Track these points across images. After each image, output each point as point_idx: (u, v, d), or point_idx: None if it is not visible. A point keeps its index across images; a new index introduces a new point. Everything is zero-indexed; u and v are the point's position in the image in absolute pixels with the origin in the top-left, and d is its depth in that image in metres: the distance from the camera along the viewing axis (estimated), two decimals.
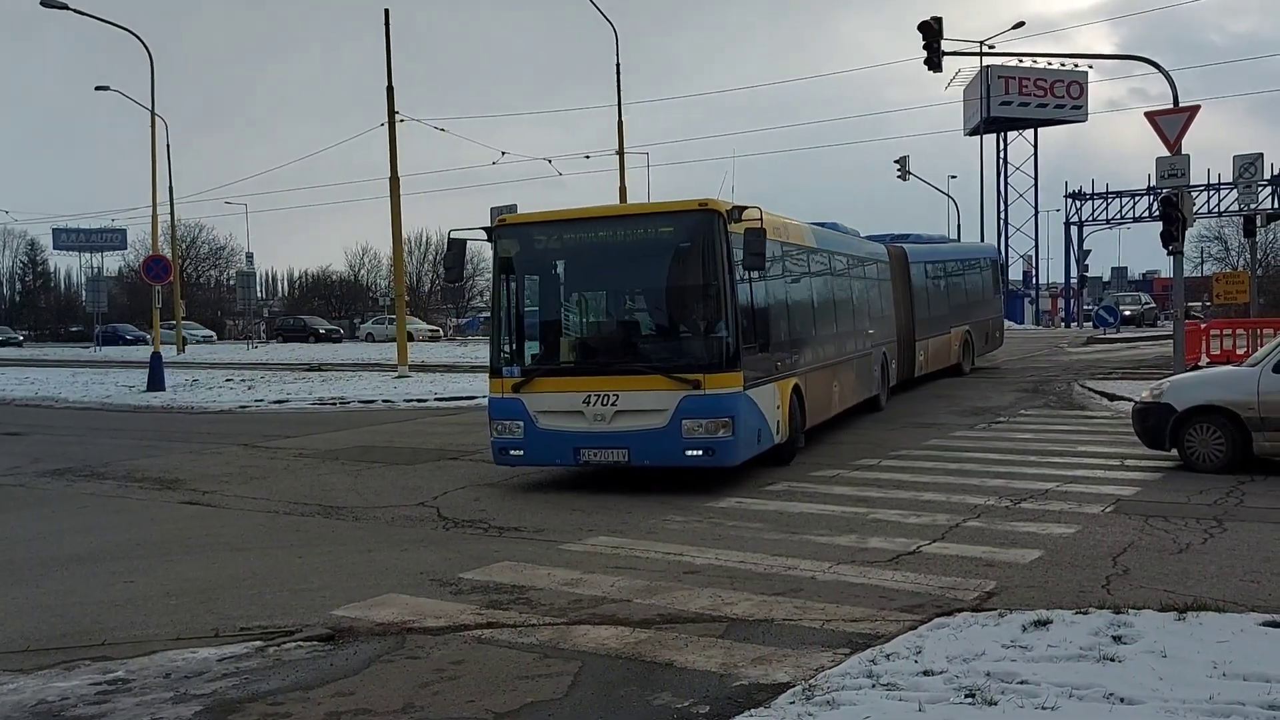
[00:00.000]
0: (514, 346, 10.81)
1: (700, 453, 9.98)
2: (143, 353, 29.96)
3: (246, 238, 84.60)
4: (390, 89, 27.55)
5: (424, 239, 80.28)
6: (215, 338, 63.00)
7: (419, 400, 21.27)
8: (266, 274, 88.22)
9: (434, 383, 24.91)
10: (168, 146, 44.84)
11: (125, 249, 75.07)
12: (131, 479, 12.52)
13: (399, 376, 26.79)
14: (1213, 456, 10.53)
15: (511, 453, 10.67)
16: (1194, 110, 17.81)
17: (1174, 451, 10.87)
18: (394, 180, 27.84)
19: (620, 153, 31.65)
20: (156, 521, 10.01)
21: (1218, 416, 10.53)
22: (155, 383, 25.04)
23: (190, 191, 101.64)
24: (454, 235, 11.20)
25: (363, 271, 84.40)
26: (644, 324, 11.13)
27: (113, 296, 61.88)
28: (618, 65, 31.51)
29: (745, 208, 10.29)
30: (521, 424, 10.48)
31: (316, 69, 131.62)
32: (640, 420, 10.05)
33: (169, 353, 37.59)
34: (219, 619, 6.50)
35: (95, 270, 66.92)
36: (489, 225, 11.04)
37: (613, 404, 10.11)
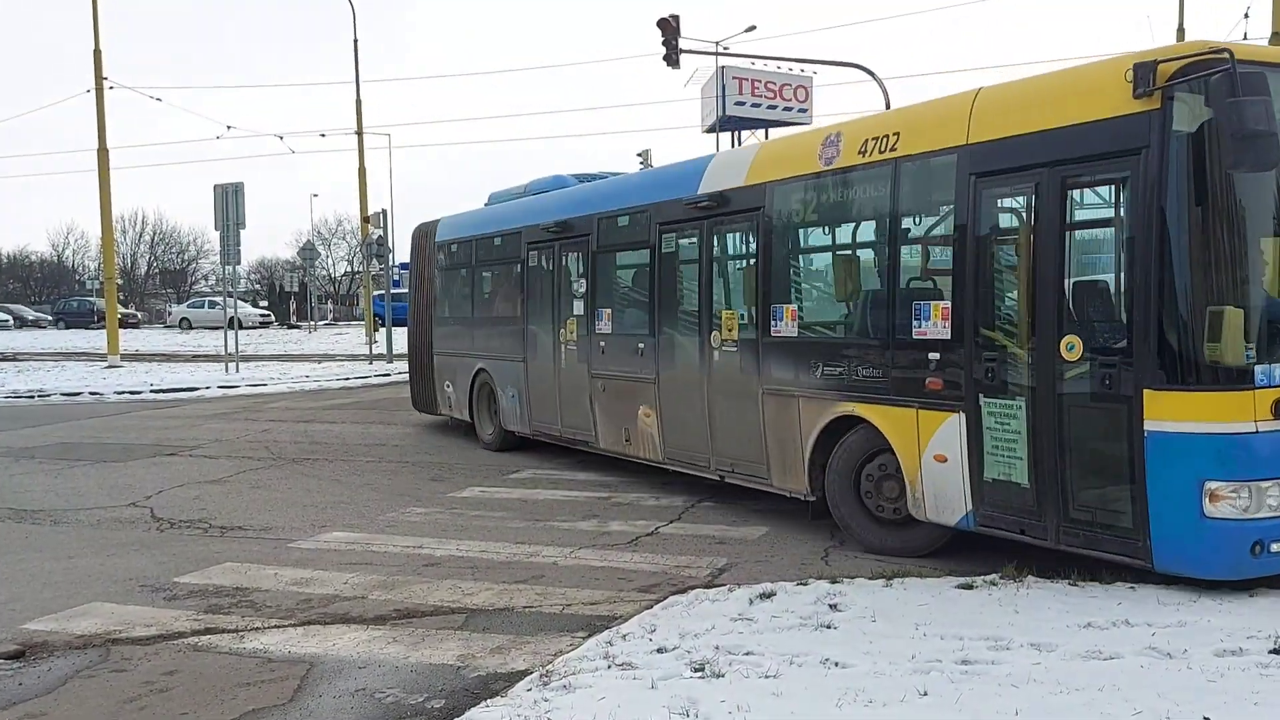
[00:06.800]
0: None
1: None
2: None
3: None
4: (98, 51, 25.26)
5: (139, 217, 74.60)
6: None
7: (132, 392, 19.62)
8: None
9: (149, 373, 23.08)
10: None
11: None
12: None
13: (109, 366, 24.64)
14: None
15: None
16: None
17: None
18: (102, 152, 25.57)
19: (360, 132, 30.57)
20: None
21: None
22: None
23: None
24: None
25: (68, 252, 77.57)
26: None
27: None
28: (355, 41, 30.42)
29: None
30: None
31: (12, 27, 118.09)
32: None
33: None
34: None
35: None
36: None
37: None
